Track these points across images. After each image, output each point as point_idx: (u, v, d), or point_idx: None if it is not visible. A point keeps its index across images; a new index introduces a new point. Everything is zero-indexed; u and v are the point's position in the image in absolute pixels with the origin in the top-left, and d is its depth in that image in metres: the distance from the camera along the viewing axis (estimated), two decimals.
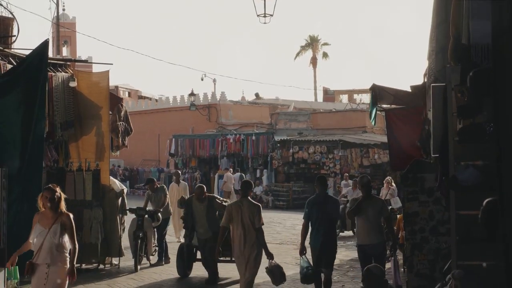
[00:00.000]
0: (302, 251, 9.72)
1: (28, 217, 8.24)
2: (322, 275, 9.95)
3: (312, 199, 10.20)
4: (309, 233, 10.00)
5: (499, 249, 4.58)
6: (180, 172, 20.07)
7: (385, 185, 19.91)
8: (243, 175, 30.07)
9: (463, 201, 6.01)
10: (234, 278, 11.46)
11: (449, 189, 6.54)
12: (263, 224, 9.53)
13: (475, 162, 5.96)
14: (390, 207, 16.07)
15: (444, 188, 7.00)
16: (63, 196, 7.50)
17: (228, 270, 12.08)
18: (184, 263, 12.14)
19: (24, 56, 11.16)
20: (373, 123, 16.82)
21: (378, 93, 13.63)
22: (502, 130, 4.13)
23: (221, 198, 12.78)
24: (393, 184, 20.09)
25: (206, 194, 11.88)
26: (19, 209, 8.56)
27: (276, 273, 9.40)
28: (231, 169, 29.70)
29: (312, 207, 9.91)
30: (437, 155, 7.39)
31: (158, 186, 14.74)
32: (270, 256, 9.47)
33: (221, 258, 11.44)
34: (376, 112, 14.52)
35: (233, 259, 10.31)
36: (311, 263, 9.75)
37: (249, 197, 9.72)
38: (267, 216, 12.63)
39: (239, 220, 9.37)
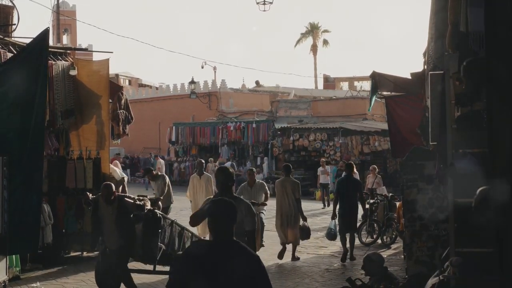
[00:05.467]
0: (333, 216, 12.99)
1: (33, 205, 8.53)
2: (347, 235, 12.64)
3: (341, 179, 13.64)
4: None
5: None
6: (203, 161, 16.78)
7: (371, 173, 19.84)
8: (234, 164, 30.17)
9: (461, 189, 6.03)
10: None
11: (447, 177, 6.57)
12: (300, 195, 12.67)
13: (473, 150, 5.99)
14: (391, 194, 16.09)
15: (442, 175, 7.02)
16: None
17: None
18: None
19: (25, 44, 11.15)
20: (369, 110, 16.86)
21: (378, 81, 13.65)
22: (495, 118, 4.14)
23: (133, 197, 10.02)
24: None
25: (116, 194, 9.42)
26: (22, 197, 8.59)
27: (305, 230, 12.54)
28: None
29: (341, 184, 13.03)
30: (435, 142, 7.42)
31: (159, 174, 14.79)
32: (304, 219, 12.62)
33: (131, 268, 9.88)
34: (374, 100, 14.56)
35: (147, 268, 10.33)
36: (337, 226, 12.86)
37: (290, 176, 13.07)
38: (268, 203, 12.73)
39: (284, 193, 12.56)
